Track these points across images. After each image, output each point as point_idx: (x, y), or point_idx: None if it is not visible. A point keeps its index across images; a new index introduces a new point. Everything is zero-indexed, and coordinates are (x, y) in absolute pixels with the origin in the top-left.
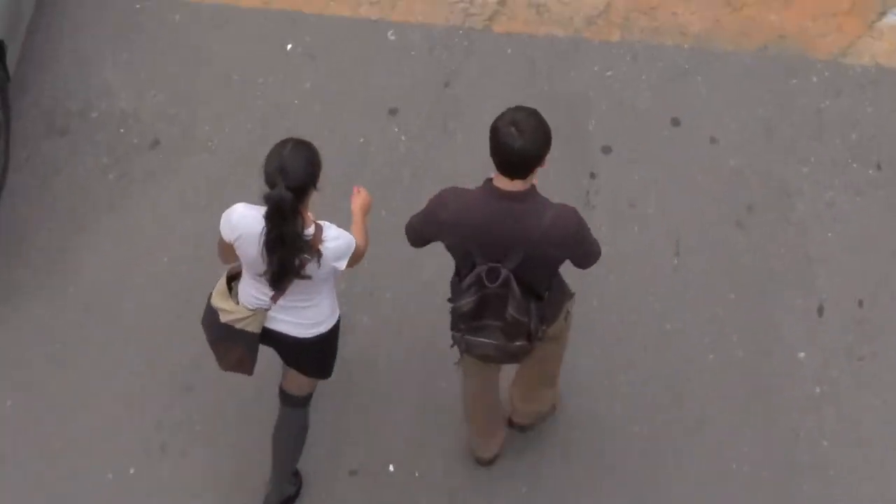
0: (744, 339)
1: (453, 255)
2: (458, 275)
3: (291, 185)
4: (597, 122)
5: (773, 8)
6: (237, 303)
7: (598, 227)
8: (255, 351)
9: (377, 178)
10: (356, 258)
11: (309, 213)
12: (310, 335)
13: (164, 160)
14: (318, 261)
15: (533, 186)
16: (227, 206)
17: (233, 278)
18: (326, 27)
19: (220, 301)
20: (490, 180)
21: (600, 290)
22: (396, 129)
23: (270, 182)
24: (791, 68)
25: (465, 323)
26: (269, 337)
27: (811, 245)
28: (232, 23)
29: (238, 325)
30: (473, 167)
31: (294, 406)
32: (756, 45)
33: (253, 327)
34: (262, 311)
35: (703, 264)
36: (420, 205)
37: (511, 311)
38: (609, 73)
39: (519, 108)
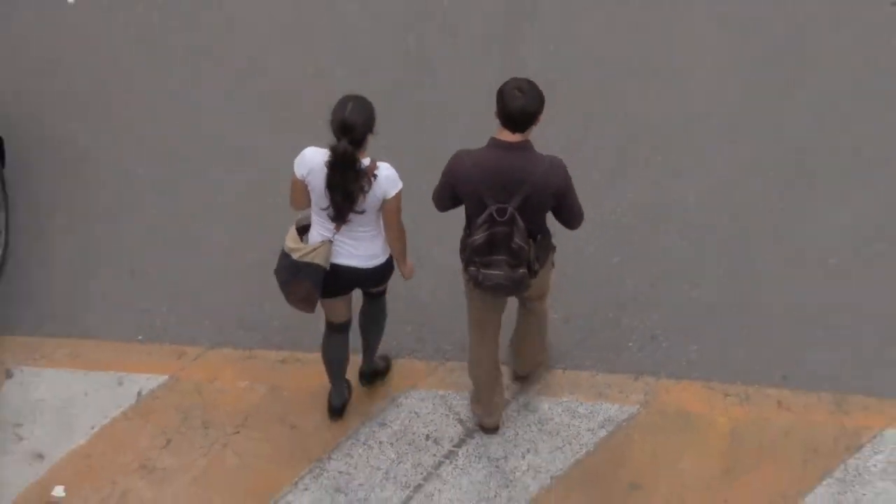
0: None
1: (468, 203)
2: (469, 227)
3: (352, 139)
4: None
5: None
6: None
7: None
8: (320, 285)
9: None
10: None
11: (364, 152)
12: (370, 265)
13: None
14: (371, 186)
15: (528, 140)
16: None
17: (301, 231)
18: None
19: (291, 242)
20: (493, 138)
21: None
22: None
23: (336, 135)
24: None
25: (478, 257)
26: (334, 272)
27: None
28: None
29: (306, 259)
30: None
31: (374, 296)
32: None
33: (320, 259)
34: (327, 243)
35: None
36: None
37: (517, 239)
38: None
39: (520, 78)
